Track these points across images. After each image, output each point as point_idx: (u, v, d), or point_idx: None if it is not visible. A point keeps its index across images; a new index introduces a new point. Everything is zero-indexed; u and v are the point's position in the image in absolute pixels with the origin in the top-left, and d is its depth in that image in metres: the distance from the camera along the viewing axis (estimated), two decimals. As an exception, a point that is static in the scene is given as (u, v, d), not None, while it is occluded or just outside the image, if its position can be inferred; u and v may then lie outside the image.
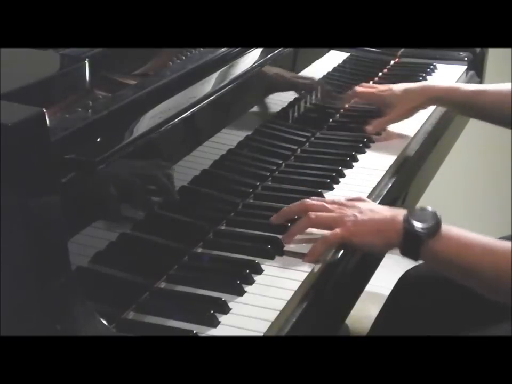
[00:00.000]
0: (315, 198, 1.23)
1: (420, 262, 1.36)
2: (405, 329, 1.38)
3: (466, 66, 1.90)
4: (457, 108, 1.57)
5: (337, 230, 1.12)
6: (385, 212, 1.13)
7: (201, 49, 1.26)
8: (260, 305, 1.01)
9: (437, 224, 1.07)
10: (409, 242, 1.08)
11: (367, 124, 1.56)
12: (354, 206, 1.16)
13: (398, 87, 1.56)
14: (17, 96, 0.87)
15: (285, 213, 1.19)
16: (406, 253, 1.09)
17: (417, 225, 1.06)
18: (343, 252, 1.15)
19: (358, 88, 1.62)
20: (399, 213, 1.10)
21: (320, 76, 1.65)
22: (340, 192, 1.32)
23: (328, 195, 1.30)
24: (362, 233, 1.12)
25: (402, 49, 1.96)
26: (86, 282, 0.91)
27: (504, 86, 1.48)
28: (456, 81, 1.82)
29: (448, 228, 1.08)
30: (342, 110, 1.65)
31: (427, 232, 1.06)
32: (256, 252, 1.12)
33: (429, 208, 1.08)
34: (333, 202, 1.18)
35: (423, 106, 1.55)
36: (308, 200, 1.19)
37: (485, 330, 1.22)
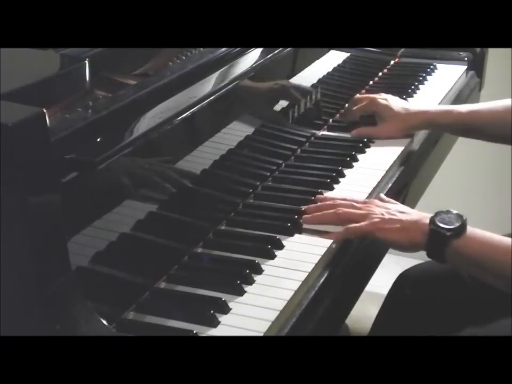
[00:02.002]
0: (347, 197, 1.24)
1: (424, 260, 1.36)
2: (404, 328, 1.39)
3: (466, 66, 1.90)
4: (452, 129, 1.56)
5: (362, 223, 1.15)
6: (413, 214, 1.15)
7: (201, 49, 1.26)
8: (260, 305, 1.01)
9: (462, 225, 1.10)
10: (435, 243, 1.10)
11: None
12: (383, 206, 1.18)
13: (394, 102, 1.53)
14: (17, 96, 0.87)
15: (318, 217, 1.20)
16: (431, 254, 1.12)
17: (443, 226, 1.09)
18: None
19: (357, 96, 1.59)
20: (426, 216, 1.13)
21: (320, 76, 1.65)
22: (339, 192, 1.32)
23: (328, 195, 1.30)
24: (387, 230, 1.14)
25: (402, 49, 1.96)
26: (86, 282, 0.91)
27: (497, 103, 1.48)
28: (456, 81, 1.82)
29: (472, 230, 1.10)
30: (342, 111, 1.64)
31: (452, 234, 1.09)
32: (256, 251, 1.12)
33: (454, 211, 1.11)
34: (363, 202, 1.20)
35: (415, 128, 1.52)
36: (338, 200, 1.22)
37: (483, 329, 1.23)
